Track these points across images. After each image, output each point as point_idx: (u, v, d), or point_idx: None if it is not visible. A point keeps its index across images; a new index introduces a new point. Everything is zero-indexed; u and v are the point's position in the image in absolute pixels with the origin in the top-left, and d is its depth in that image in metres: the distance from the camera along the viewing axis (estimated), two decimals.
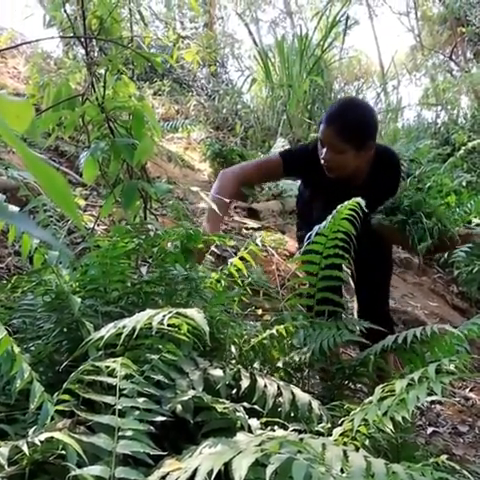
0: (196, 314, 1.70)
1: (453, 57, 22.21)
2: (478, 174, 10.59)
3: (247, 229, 6.28)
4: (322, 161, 3.02)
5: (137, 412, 1.58)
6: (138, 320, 1.66)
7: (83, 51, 3.32)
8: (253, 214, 7.23)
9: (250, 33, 16.78)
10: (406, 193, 3.04)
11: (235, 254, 4.65)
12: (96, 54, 3.60)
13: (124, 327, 1.67)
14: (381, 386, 1.84)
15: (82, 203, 4.67)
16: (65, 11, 3.26)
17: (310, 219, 3.12)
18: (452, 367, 1.88)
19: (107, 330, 1.71)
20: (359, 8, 23.06)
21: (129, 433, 1.51)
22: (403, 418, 1.70)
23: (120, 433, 1.50)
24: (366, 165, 3.12)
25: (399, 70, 23.62)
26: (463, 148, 10.54)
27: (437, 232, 2.86)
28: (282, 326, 2.39)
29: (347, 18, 12.89)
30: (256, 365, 2.34)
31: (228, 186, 3.14)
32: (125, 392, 1.61)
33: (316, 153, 3.09)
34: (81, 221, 2.89)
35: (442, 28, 21.83)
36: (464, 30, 19.76)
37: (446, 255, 7.11)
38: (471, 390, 4.44)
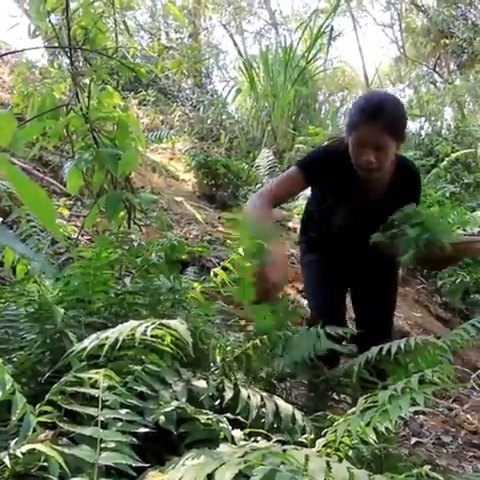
0: (179, 325, 1.70)
1: (437, 69, 22.40)
2: (461, 185, 10.66)
3: (231, 240, 6.28)
4: (363, 164, 2.85)
5: (120, 423, 1.58)
6: (121, 331, 1.66)
7: (68, 61, 3.31)
8: None
9: (235, 44, 16.85)
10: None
11: (218, 264, 4.64)
12: (81, 64, 3.59)
13: (107, 338, 1.66)
14: (364, 397, 1.84)
15: (66, 213, 4.66)
16: (50, 21, 3.26)
17: (326, 225, 3.13)
18: (435, 378, 1.88)
19: (90, 341, 1.71)
20: (343, 19, 23.18)
21: (112, 445, 1.50)
22: (386, 429, 1.70)
23: (102, 445, 1.49)
24: (391, 170, 3.00)
25: (383, 81, 23.77)
26: (447, 159, 10.62)
27: (424, 242, 2.81)
28: (265, 336, 2.38)
29: (331, 29, 12.94)
30: (239, 376, 2.33)
31: (264, 213, 2.95)
32: (108, 403, 1.60)
33: (332, 158, 3.01)
34: (61, 233, 2.88)
35: (426, 40, 22.01)
36: (447, 42, 19.93)
37: None
38: (454, 401, 4.45)
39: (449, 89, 18.52)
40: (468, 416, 4.18)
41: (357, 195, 3.01)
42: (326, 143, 3.34)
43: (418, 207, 3.08)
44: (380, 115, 2.75)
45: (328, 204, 3.17)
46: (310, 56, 11.86)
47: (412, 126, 16.24)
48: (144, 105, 11.55)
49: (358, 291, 3.42)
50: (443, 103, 18.39)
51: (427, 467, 1.64)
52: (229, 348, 2.39)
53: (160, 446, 1.71)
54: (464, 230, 7.39)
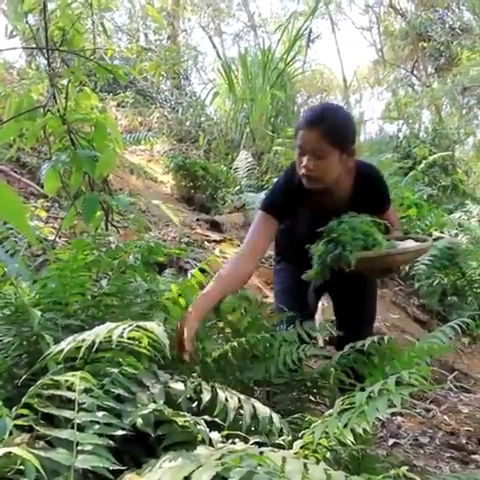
0: (156, 327, 1.70)
1: (415, 72, 22.52)
2: (439, 188, 10.73)
3: (209, 241, 6.29)
4: (302, 171, 2.80)
5: (97, 426, 1.57)
6: (98, 333, 1.65)
7: (46, 62, 3.30)
8: (215, 226, 7.23)
9: (214, 46, 16.85)
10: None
11: (196, 266, 4.64)
12: (58, 65, 3.57)
13: (84, 340, 1.66)
14: (341, 398, 1.84)
15: (43, 215, 4.64)
16: (27, 22, 3.25)
17: (292, 241, 3.11)
18: (412, 380, 1.89)
19: (67, 343, 1.70)
20: (322, 22, 23.25)
21: (88, 448, 1.50)
22: (364, 430, 1.70)
23: (79, 448, 1.49)
24: (348, 182, 2.96)
25: (362, 84, 23.88)
26: (424, 162, 10.69)
27: (333, 258, 2.75)
28: (243, 338, 2.39)
29: (310, 32, 12.98)
30: (217, 378, 2.33)
31: (245, 270, 2.88)
32: (84, 406, 1.60)
33: (292, 184, 2.94)
34: (34, 236, 2.87)
35: (404, 43, 22.12)
36: (425, 45, 20.03)
37: (407, 267, 7.19)
38: (432, 402, 4.47)
39: (427, 92, 18.62)
40: (445, 417, 4.20)
41: (319, 211, 2.96)
42: (285, 169, 3.26)
43: (389, 208, 3.10)
44: (320, 122, 2.74)
45: (290, 222, 3.12)
46: (288, 58, 11.88)
47: (390, 129, 16.36)
48: (122, 107, 11.52)
49: (334, 299, 3.43)
50: (421, 106, 18.48)
51: (404, 468, 1.65)
52: (207, 350, 2.39)
53: (138, 449, 1.71)
54: (441, 232, 7.44)
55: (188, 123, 11.38)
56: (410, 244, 2.91)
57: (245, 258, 2.88)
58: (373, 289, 3.43)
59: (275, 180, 3.37)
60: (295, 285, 3.07)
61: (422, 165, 10.63)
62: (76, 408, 1.57)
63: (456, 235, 7.88)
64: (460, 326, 2.48)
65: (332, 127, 2.73)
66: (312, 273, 2.79)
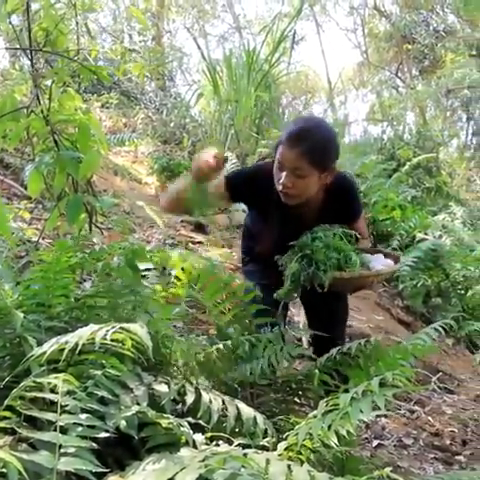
0: (139, 329, 1.69)
1: (399, 74, 22.61)
2: (423, 189, 10.76)
3: (193, 243, 6.28)
4: (280, 187, 2.78)
5: (80, 428, 1.56)
6: (81, 335, 1.64)
7: (29, 63, 3.29)
8: (200, 228, 7.23)
9: (198, 47, 16.84)
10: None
11: (181, 268, 4.63)
12: (42, 66, 3.56)
13: (67, 342, 1.65)
14: (325, 400, 1.84)
15: (27, 216, 4.63)
16: (10, 22, 3.23)
17: (260, 246, 3.07)
18: (397, 381, 1.89)
19: (50, 345, 1.69)
20: (307, 24, 23.29)
21: (71, 450, 1.49)
22: (347, 432, 1.70)
23: (62, 450, 1.48)
24: (321, 193, 2.93)
25: (346, 86, 23.96)
26: (408, 164, 10.71)
27: (306, 278, 2.73)
28: (228, 341, 2.39)
29: (294, 33, 12.99)
30: (201, 380, 2.33)
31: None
32: (67, 408, 1.59)
33: (265, 177, 2.88)
34: (13, 238, 2.86)
35: (388, 45, 22.21)
36: (410, 47, 20.11)
37: None
38: (416, 403, 4.48)
39: (411, 94, 18.70)
40: (429, 418, 4.22)
41: (287, 218, 2.94)
42: (263, 162, 3.24)
43: (359, 223, 3.08)
44: (302, 142, 2.71)
45: (260, 226, 3.12)
46: (273, 60, 11.88)
47: (374, 131, 16.41)
48: (107, 108, 11.49)
49: (305, 305, 3.42)
50: (405, 108, 18.55)
51: (388, 469, 1.65)
52: (191, 352, 2.38)
53: (121, 451, 1.70)
54: (425, 233, 7.46)
55: (172, 124, 11.37)
56: (381, 261, 2.91)
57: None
58: (340, 300, 3.33)
59: (248, 166, 3.39)
60: (265, 290, 2.93)
61: (406, 167, 10.64)
62: (59, 410, 1.56)
63: (440, 237, 7.90)
64: (444, 328, 2.49)
65: (314, 147, 2.71)
66: (283, 292, 2.77)
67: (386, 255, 2.99)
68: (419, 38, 19.66)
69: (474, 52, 18.51)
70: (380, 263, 2.89)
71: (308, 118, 3.05)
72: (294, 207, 2.89)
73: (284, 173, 2.74)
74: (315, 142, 2.72)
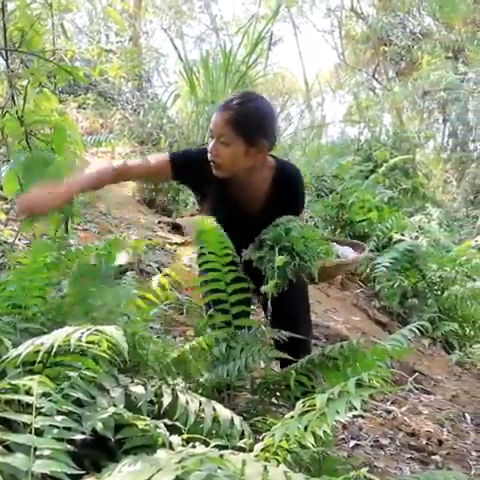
0: (115, 331, 1.68)
1: (376, 75, 22.71)
2: (400, 191, 10.82)
3: (171, 244, 6.27)
4: (209, 155, 2.78)
5: (55, 431, 1.56)
6: (56, 337, 1.64)
7: (4, 63, 3.27)
8: (177, 229, 7.22)
9: (175, 48, 16.80)
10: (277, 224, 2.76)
11: (158, 269, 4.63)
12: (17, 66, 3.54)
13: (42, 344, 1.64)
14: (302, 401, 1.85)
15: (3, 217, 4.59)
16: None
17: None
18: (374, 381, 1.90)
19: (25, 347, 1.68)
20: (284, 25, 23.32)
21: (47, 452, 1.48)
22: (324, 432, 1.71)
23: (37, 452, 1.47)
24: (265, 179, 2.89)
25: (323, 87, 24.04)
26: (385, 165, 10.75)
27: (292, 270, 2.70)
28: (202, 338, 2.39)
29: (271, 35, 13.00)
30: (178, 381, 2.32)
31: (105, 174, 2.89)
32: (43, 410, 1.58)
33: (200, 160, 2.86)
34: None
35: (365, 47, 22.31)
36: (386, 49, 20.22)
37: (368, 270, 7.26)
38: (392, 403, 4.50)
39: (388, 96, 18.78)
40: (406, 418, 4.23)
41: (233, 205, 2.92)
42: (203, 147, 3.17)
43: (300, 216, 2.96)
44: (230, 108, 2.73)
45: (206, 212, 3.03)
46: (250, 61, 11.90)
47: (351, 132, 16.46)
48: (83, 108, 11.45)
49: (263, 306, 3.21)
50: (382, 109, 18.61)
51: (365, 469, 1.65)
52: (167, 353, 2.38)
53: (97, 453, 1.70)
54: (402, 234, 7.50)
55: (149, 125, 11.33)
56: (349, 251, 2.93)
57: (118, 171, 2.89)
58: (303, 285, 3.23)
59: (195, 148, 3.35)
60: None
61: (383, 168, 10.69)
62: (34, 412, 1.55)
63: (416, 238, 7.95)
64: (419, 328, 2.50)
65: (241, 115, 2.72)
66: (270, 286, 2.65)
67: (352, 245, 3.02)
68: (396, 40, 19.76)
69: (450, 54, 18.66)
70: (349, 252, 2.92)
71: (247, 92, 3.00)
72: (238, 193, 2.88)
73: (213, 141, 2.77)
74: (245, 111, 2.73)
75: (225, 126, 2.71)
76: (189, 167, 2.93)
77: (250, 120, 2.73)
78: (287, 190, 2.94)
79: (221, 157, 2.75)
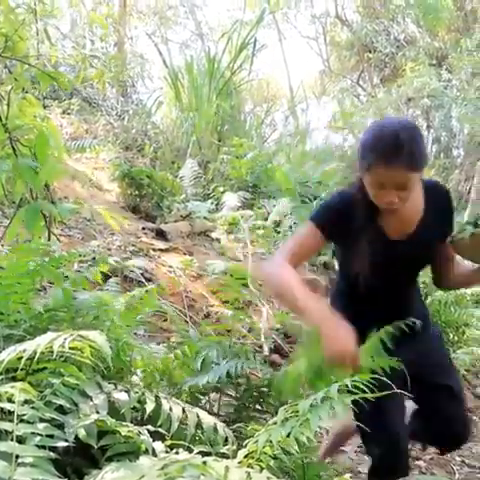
0: (98, 336, 1.68)
1: (360, 82, 22.80)
2: None
3: (155, 250, 6.26)
4: (384, 206, 2.48)
5: (38, 438, 1.55)
6: (39, 343, 1.63)
7: None
8: (161, 235, 7.21)
9: (160, 54, 16.80)
10: None
11: (142, 275, 4.62)
12: (1, 72, 3.53)
13: (25, 350, 1.63)
14: (284, 407, 1.85)
15: None
16: None
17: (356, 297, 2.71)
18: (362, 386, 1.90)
19: (7, 354, 1.67)
20: (269, 31, 23.35)
21: (29, 460, 1.47)
22: (308, 438, 1.71)
23: (19, 460, 1.46)
24: (418, 196, 2.64)
25: (308, 94, 24.08)
26: None
27: None
28: (186, 346, 2.39)
29: (255, 41, 13.02)
30: (162, 388, 2.32)
31: (291, 274, 2.54)
32: (25, 418, 1.57)
33: (349, 203, 2.59)
34: None
35: (350, 54, 22.39)
36: (371, 56, 20.30)
37: None
38: None
39: (372, 102, 18.86)
40: None
41: (385, 236, 2.65)
42: (341, 189, 2.91)
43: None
44: (399, 156, 2.34)
45: (347, 260, 2.76)
46: (235, 67, 11.93)
47: (336, 138, 16.53)
48: (68, 114, 11.42)
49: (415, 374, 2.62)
50: (366, 116, 18.68)
51: (348, 475, 1.66)
52: (151, 359, 2.38)
53: (80, 460, 1.70)
54: None
55: (134, 131, 11.33)
56: None
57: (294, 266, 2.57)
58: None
59: (329, 198, 2.98)
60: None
61: None
62: (15, 420, 1.55)
63: None
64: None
65: (413, 155, 2.36)
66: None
67: None
68: (380, 47, 19.85)
69: (434, 61, 18.75)
70: None
71: (386, 125, 2.44)
72: (393, 219, 2.63)
73: (386, 191, 2.43)
74: (411, 149, 2.36)
75: (401, 174, 2.37)
76: (337, 223, 2.63)
77: (420, 154, 2.42)
78: (440, 209, 2.72)
79: (402, 199, 2.45)
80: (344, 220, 2.59)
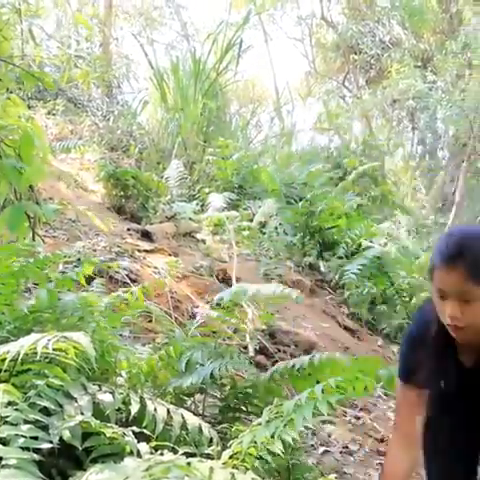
0: (82, 338, 1.68)
1: (346, 83, 22.85)
2: (369, 198, 10.90)
3: (140, 251, 6.24)
4: (447, 321, 2.22)
5: (22, 440, 1.54)
6: (23, 344, 1.62)
7: None
8: (146, 236, 7.19)
9: (146, 54, 16.78)
10: None
11: (127, 276, 4.61)
12: None
13: (8, 352, 1.63)
14: (269, 407, 1.85)
15: None
16: None
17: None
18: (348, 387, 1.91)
19: None
20: (255, 32, 23.35)
21: (13, 462, 1.47)
22: (293, 439, 1.71)
23: (3, 462, 1.46)
24: None
25: (294, 95, 24.11)
26: (354, 172, 10.83)
27: None
28: (170, 347, 2.39)
29: (241, 42, 13.03)
30: (146, 389, 2.32)
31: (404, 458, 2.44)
32: (9, 419, 1.57)
33: (424, 334, 2.39)
34: None
35: (335, 55, 22.42)
36: (356, 58, 20.35)
37: (337, 277, 7.30)
38: (361, 409, 4.52)
39: (357, 104, 18.91)
40: (375, 424, 4.25)
41: (455, 356, 2.41)
42: (415, 315, 2.64)
43: None
44: (461, 259, 2.14)
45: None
46: (220, 68, 11.92)
47: (321, 139, 16.56)
48: (53, 114, 11.37)
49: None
50: (352, 117, 18.73)
51: (333, 476, 1.66)
52: (136, 361, 2.38)
53: (65, 461, 1.69)
54: (371, 241, 7.53)
55: (119, 132, 11.30)
56: None
57: (400, 445, 2.46)
58: None
59: (408, 328, 2.62)
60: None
61: (352, 175, 10.76)
62: None
63: (385, 245, 8.01)
64: (388, 335, 2.51)
65: (476, 262, 2.15)
66: None
67: None
68: (365, 48, 19.89)
69: (419, 63, 18.80)
70: None
71: (458, 230, 2.14)
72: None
73: (449, 302, 2.21)
74: (473, 255, 2.15)
75: (464, 283, 2.15)
76: (418, 366, 2.42)
77: None
78: None
79: (466, 317, 2.20)
80: (424, 351, 2.40)
